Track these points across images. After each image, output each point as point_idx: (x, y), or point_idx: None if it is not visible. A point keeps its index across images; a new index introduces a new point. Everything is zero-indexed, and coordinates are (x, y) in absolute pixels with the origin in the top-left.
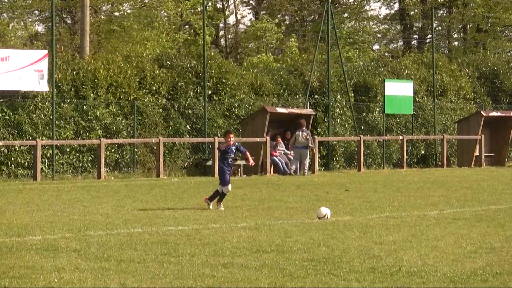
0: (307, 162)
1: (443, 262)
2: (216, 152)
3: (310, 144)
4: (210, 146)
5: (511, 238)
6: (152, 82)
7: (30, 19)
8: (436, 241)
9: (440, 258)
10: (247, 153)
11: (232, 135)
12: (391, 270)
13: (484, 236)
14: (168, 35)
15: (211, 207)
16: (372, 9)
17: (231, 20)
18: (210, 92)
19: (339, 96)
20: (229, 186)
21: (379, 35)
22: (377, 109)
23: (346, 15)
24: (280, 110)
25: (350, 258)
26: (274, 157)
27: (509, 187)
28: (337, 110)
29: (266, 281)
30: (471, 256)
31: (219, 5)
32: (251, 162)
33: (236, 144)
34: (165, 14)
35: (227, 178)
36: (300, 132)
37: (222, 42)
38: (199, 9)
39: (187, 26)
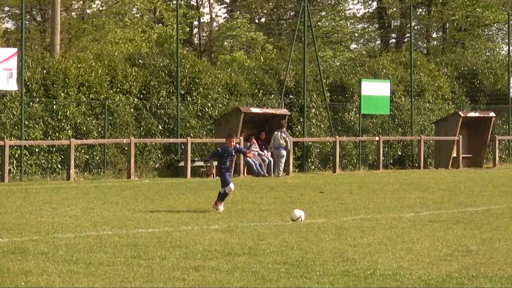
0: (282, 163)
1: (418, 265)
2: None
3: (288, 148)
4: (183, 147)
5: (488, 241)
6: (124, 81)
7: None
8: (411, 244)
9: (415, 261)
10: (248, 152)
11: (234, 139)
12: (365, 273)
13: (460, 239)
14: (142, 32)
15: (221, 208)
16: (349, 8)
17: (206, 18)
18: (183, 91)
19: (314, 96)
20: (231, 185)
21: (356, 34)
22: (354, 109)
23: (323, 13)
24: (255, 110)
25: (323, 261)
26: (248, 158)
27: (487, 189)
28: (313, 110)
29: (238, 284)
30: (447, 259)
31: (193, 3)
32: (251, 155)
33: (237, 146)
34: (137, 10)
35: (227, 179)
36: (279, 133)
37: (196, 40)
38: (172, 6)
39: (160, 24)
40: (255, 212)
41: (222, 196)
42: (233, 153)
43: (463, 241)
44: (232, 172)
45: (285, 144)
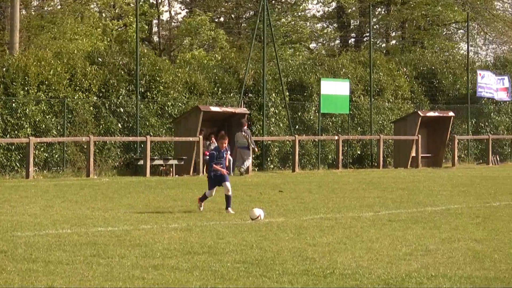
0: (249, 160)
1: (377, 264)
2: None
3: (252, 146)
4: (142, 145)
5: (447, 240)
6: (83, 80)
7: None
8: (370, 243)
9: (374, 260)
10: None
11: (226, 141)
12: (324, 272)
13: (420, 238)
14: (101, 31)
15: (201, 209)
16: (308, 9)
17: (165, 17)
18: (142, 90)
19: (274, 95)
20: (213, 192)
21: (316, 34)
22: (313, 108)
23: (283, 13)
24: (214, 109)
25: (283, 260)
26: (207, 157)
27: (446, 188)
28: (272, 109)
29: (197, 283)
30: (406, 258)
31: (152, 1)
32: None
33: (227, 148)
34: (97, 6)
35: (212, 184)
36: (240, 132)
37: (156, 39)
38: (131, 4)
39: (120, 21)
40: (214, 211)
41: (227, 202)
42: (224, 155)
43: (422, 240)
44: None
45: (247, 143)
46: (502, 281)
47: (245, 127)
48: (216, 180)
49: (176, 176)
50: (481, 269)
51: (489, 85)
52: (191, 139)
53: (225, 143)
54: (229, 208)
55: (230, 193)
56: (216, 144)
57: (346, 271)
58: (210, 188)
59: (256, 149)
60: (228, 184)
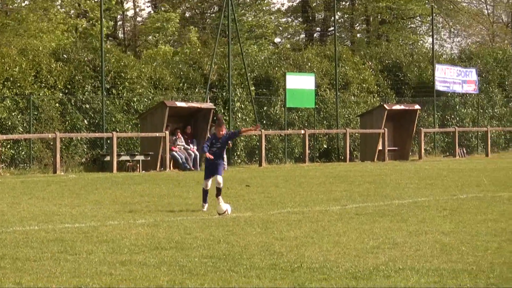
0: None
1: (345, 258)
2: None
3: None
4: (108, 141)
5: (414, 233)
6: (49, 76)
7: None
8: (338, 237)
9: (342, 254)
10: (241, 132)
11: (223, 127)
12: (292, 266)
13: (387, 231)
14: (65, 25)
15: (205, 209)
16: (273, 3)
17: (130, 13)
18: (108, 86)
19: (239, 90)
20: (209, 183)
21: (280, 28)
22: (279, 102)
23: (247, 8)
24: (180, 104)
25: (250, 255)
26: (174, 152)
27: (413, 181)
28: (238, 104)
29: (165, 278)
30: (373, 252)
31: None
32: (256, 128)
33: (230, 132)
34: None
35: (207, 173)
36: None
37: (121, 35)
38: (96, 0)
39: (84, 19)
40: (181, 206)
41: (218, 192)
42: (224, 141)
43: (390, 233)
44: (223, 163)
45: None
46: (470, 273)
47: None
48: (211, 169)
49: (143, 171)
50: (448, 261)
51: (447, 78)
52: (157, 134)
53: (222, 130)
54: (219, 197)
55: (221, 186)
56: (182, 139)
57: (313, 265)
58: (205, 178)
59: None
60: (220, 178)
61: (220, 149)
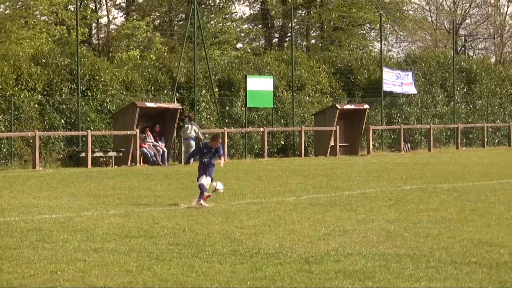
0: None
1: (299, 244)
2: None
3: (200, 137)
4: (84, 139)
5: (362, 222)
6: (29, 79)
7: None
8: (293, 225)
9: (296, 241)
10: (222, 157)
11: (219, 141)
12: (250, 252)
13: (338, 220)
14: (45, 33)
15: (204, 203)
16: (235, 11)
17: (104, 20)
18: (83, 88)
19: (204, 91)
20: (204, 180)
21: (242, 34)
22: (240, 103)
23: (212, 16)
24: (149, 104)
25: (213, 242)
26: (144, 149)
27: (361, 174)
28: (203, 104)
29: (134, 264)
30: (325, 239)
31: (92, 6)
32: (222, 164)
33: (220, 148)
34: (40, 13)
35: (201, 172)
36: (189, 125)
37: (95, 41)
38: (72, 9)
39: (62, 26)
40: (150, 198)
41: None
42: (213, 152)
43: (340, 222)
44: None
45: (194, 134)
46: (412, 258)
47: (193, 120)
48: (203, 170)
49: (115, 166)
50: (393, 247)
51: (390, 81)
52: (128, 132)
53: (217, 144)
54: (205, 198)
55: (221, 191)
56: (151, 136)
57: (270, 251)
58: (200, 175)
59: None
60: (209, 179)
61: (211, 158)
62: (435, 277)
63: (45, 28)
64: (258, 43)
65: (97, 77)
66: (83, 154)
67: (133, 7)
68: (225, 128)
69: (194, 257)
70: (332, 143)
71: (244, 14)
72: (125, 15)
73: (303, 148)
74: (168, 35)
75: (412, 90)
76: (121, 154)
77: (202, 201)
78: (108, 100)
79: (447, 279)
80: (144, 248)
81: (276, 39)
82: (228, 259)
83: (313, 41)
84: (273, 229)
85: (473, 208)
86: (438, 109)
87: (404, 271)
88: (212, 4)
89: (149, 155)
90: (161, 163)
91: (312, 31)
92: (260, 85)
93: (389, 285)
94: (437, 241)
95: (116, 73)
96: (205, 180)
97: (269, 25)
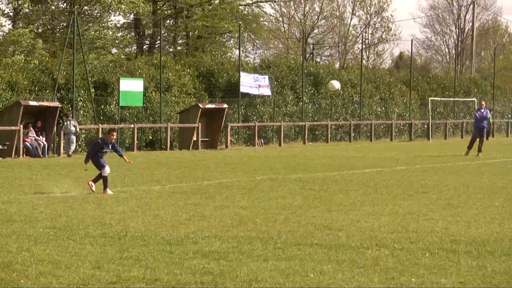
0: (74, 144)
1: (162, 227)
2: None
3: (77, 130)
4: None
5: (219, 208)
6: None
7: None
8: (157, 211)
9: (160, 225)
10: (124, 156)
11: (114, 134)
12: (119, 235)
13: (197, 206)
14: None
15: (93, 189)
16: (111, 20)
17: None
18: None
19: (82, 92)
20: (107, 168)
21: (117, 41)
22: (114, 102)
23: (90, 24)
24: (32, 103)
25: (85, 226)
26: (26, 143)
27: (219, 166)
28: (80, 103)
29: (14, 245)
30: (185, 223)
31: None
32: (129, 162)
33: (115, 143)
34: None
35: (102, 163)
36: (68, 122)
37: None
38: None
39: None
40: (31, 187)
41: (102, 180)
42: (110, 147)
43: (199, 208)
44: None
45: (74, 129)
46: (262, 240)
47: (70, 117)
48: (102, 159)
49: (0, 158)
50: (245, 230)
51: (247, 83)
52: (13, 128)
53: (113, 137)
54: (107, 189)
55: (106, 174)
56: (33, 131)
57: (136, 234)
58: (103, 166)
59: (79, 135)
60: (107, 168)
61: (106, 152)
62: (281, 257)
63: None
64: (130, 49)
65: None
66: (2, 147)
67: (19, 16)
68: (100, 125)
69: (69, 239)
70: (194, 138)
71: (119, 23)
72: (12, 23)
73: (168, 142)
74: (51, 41)
75: (267, 92)
76: (5, 147)
77: (108, 189)
78: None
79: (292, 259)
80: (24, 231)
81: (147, 46)
82: (99, 241)
83: (179, 47)
84: (140, 214)
85: (316, 196)
86: (288, 108)
87: (254, 252)
88: (90, 14)
89: (31, 148)
90: (41, 156)
91: (179, 38)
92: (131, 86)
93: (241, 264)
94: (284, 225)
95: (3, 76)
96: (108, 169)
97: (141, 33)
